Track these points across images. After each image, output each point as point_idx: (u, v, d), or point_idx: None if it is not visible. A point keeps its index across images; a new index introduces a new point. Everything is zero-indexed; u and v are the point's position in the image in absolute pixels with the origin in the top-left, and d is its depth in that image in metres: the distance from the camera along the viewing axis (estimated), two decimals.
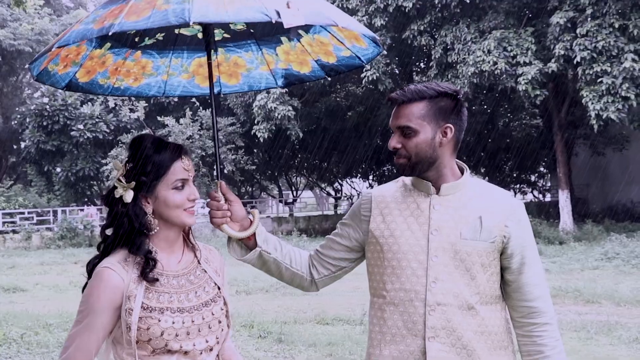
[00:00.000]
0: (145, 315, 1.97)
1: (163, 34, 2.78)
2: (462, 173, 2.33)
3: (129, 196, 2.03)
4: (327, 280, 2.49)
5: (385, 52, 20.59)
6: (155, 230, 2.06)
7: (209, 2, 2.01)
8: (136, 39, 2.74)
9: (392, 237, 2.28)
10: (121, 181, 2.06)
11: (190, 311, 2.04)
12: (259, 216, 2.40)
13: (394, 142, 2.25)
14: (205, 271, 2.16)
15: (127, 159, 2.10)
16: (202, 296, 2.09)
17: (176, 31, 2.79)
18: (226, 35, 2.85)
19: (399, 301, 2.23)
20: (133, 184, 2.04)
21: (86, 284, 2.07)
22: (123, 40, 2.70)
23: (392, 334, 2.24)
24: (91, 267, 2.08)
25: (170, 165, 2.06)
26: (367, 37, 2.57)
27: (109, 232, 2.07)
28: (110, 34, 1.98)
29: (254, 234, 2.38)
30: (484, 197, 2.29)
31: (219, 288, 2.16)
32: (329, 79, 3.21)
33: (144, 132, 21.01)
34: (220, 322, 2.11)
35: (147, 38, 2.76)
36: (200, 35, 2.81)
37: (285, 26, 2.01)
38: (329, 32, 2.69)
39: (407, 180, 2.36)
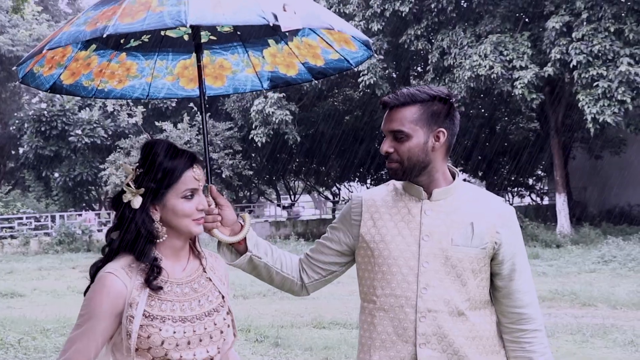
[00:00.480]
0: (147, 324, 1.94)
1: (149, 36, 2.76)
2: (454, 178, 2.31)
3: (137, 202, 2.00)
4: (318, 285, 2.47)
5: (382, 57, 20.67)
6: (163, 239, 2.03)
7: (205, 4, 1.99)
8: (121, 41, 2.72)
9: (383, 242, 2.25)
10: (130, 186, 2.02)
11: (192, 320, 2.00)
12: (249, 220, 2.39)
13: (386, 147, 2.23)
14: (210, 279, 2.12)
15: (137, 163, 2.06)
16: (205, 305, 2.05)
17: (162, 33, 2.77)
18: (212, 38, 2.85)
19: (389, 307, 2.22)
20: (142, 190, 2.00)
21: (88, 287, 2.02)
22: (109, 42, 2.67)
23: (381, 339, 2.23)
24: (94, 270, 2.03)
25: (181, 174, 2.01)
26: (360, 40, 2.56)
27: (114, 235, 2.04)
28: (104, 36, 1.95)
29: (244, 239, 2.36)
30: (476, 202, 2.27)
31: (223, 297, 2.12)
32: (316, 81, 3.20)
33: (142, 136, 20.67)
34: (222, 332, 2.08)
35: (132, 40, 2.74)
36: (186, 37, 2.81)
37: (283, 29, 2.01)
38: (318, 35, 2.68)
39: (398, 184, 2.33)
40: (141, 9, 2.00)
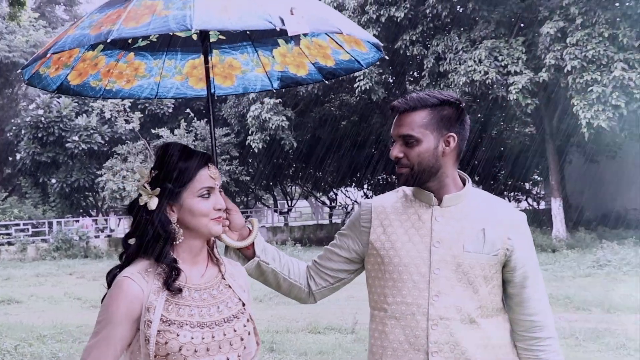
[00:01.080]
0: (164, 329, 1.90)
1: (157, 35, 2.74)
2: (464, 183, 2.29)
3: (153, 203, 1.97)
4: (325, 292, 2.44)
5: (378, 62, 20.71)
6: (180, 240, 2.00)
7: (210, 9, 1.97)
8: (129, 41, 2.72)
9: (393, 249, 2.23)
10: (146, 188, 2.00)
11: (211, 326, 1.97)
12: (257, 225, 2.37)
13: (396, 152, 2.20)
14: (230, 286, 2.08)
15: (152, 166, 2.05)
16: (224, 311, 2.01)
17: (171, 32, 2.70)
18: (221, 37, 2.84)
19: (401, 315, 2.19)
20: (158, 190, 1.98)
21: (106, 294, 2.00)
22: (116, 42, 2.64)
23: (393, 348, 2.20)
24: (111, 277, 2.01)
25: (196, 172, 2.00)
26: (369, 43, 2.56)
27: (131, 242, 2.01)
28: (108, 40, 1.94)
29: (252, 244, 2.33)
30: (487, 208, 2.25)
31: (243, 304, 2.08)
32: (327, 82, 3.18)
33: (139, 142, 20.57)
34: (242, 339, 2.03)
35: (140, 39, 2.74)
36: (194, 37, 2.80)
37: (290, 34, 1.99)
38: (328, 36, 2.67)
39: (408, 190, 2.31)
40: (146, 13, 1.99)
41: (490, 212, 2.24)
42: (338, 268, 2.39)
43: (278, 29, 1.95)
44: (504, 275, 2.23)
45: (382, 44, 2.60)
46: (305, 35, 2.65)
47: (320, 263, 2.42)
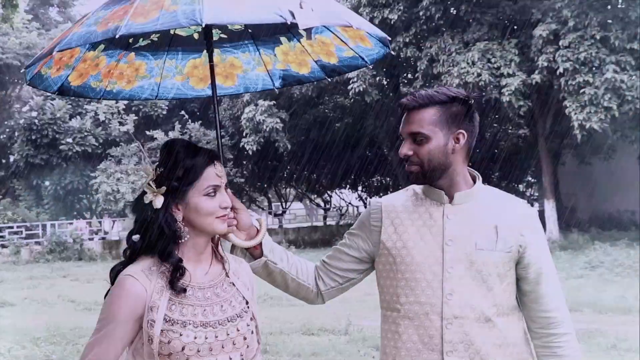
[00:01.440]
0: (167, 328, 1.89)
1: (158, 35, 2.70)
2: (474, 181, 2.26)
3: (158, 202, 1.94)
4: (334, 292, 2.40)
5: (371, 66, 20.75)
6: (185, 239, 1.97)
7: (220, 3, 1.93)
8: (130, 40, 2.66)
9: (405, 249, 2.20)
10: (151, 186, 1.96)
11: (214, 326, 1.95)
12: (265, 225, 2.34)
13: (406, 149, 2.18)
14: (234, 284, 2.06)
15: (157, 163, 2.01)
16: (227, 310, 1.99)
17: (172, 31, 2.71)
18: (223, 36, 2.79)
19: (414, 315, 2.17)
20: (163, 189, 1.95)
21: (108, 291, 1.98)
22: (117, 42, 2.56)
23: (407, 348, 2.18)
24: (115, 274, 1.98)
25: (203, 170, 1.96)
26: (377, 37, 2.51)
27: (135, 238, 1.99)
28: (117, 37, 1.90)
29: (260, 243, 2.30)
30: (499, 205, 2.23)
31: (247, 303, 2.06)
32: (329, 80, 3.07)
33: (133, 144, 20.53)
34: (245, 338, 2.01)
35: (141, 39, 2.69)
36: (196, 36, 2.76)
37: (301, 27, 1.95)
38: (332, 32, 2.62)
39: (418, 188, 2.28)
40: (154, 8, 1.94)
41: (502, 208, 2.22)
42: (347, 268, 2.36)
43: (289, 22, 1.91)
44: (518, 272, 2.21)
45: (389, 38, 2.55)
46: (312, 32, 2.61)
47: (329, 263, 2.39)
